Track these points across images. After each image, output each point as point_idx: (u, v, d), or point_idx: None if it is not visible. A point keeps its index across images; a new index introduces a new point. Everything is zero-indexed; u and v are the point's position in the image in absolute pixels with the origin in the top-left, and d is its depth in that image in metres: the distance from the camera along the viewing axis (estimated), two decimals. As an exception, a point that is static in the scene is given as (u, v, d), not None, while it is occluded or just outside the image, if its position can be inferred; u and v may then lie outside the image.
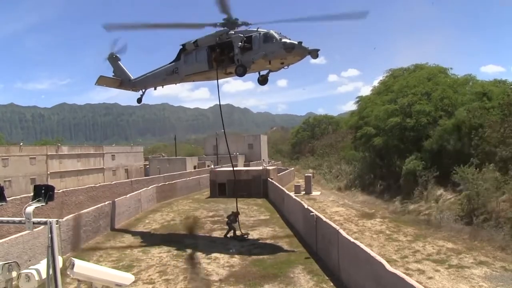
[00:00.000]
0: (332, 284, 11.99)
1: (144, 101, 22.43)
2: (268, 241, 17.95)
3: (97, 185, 30.49)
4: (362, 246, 10.61)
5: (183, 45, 19.02)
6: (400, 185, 27.47)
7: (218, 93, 18.59)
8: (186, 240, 18.37)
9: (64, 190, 25.89)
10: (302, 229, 18.16)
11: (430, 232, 18.93)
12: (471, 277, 12.53)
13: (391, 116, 29.67)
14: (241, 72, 17.07)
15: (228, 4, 16.21)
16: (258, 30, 16.82)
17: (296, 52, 15.87)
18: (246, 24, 17.44)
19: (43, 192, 4.20)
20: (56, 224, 3.99)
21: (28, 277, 4.00)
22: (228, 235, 18.58)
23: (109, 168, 64.53)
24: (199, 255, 15.74)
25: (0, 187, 4.33)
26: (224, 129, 19.99)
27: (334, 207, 28.12)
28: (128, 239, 19.14)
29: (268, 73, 18.42)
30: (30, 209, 3.98)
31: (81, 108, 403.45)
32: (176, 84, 20.98)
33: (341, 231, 12.46)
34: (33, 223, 4.00)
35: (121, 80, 22.27)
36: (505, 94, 23.98)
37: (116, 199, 22.69)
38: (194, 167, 56.35)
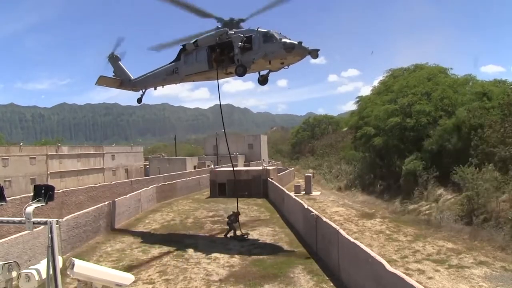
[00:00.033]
0: (332, 284, 12.00)
1: (144, 101, 22.49)
2: (268, 241, 17.95)
3: (97, 185, 30.50)
4: (362, 246, 10.61)
5: (183, 45, 19.03)
6: (400, 185, 27.46)
7: (218, 93, 18.60)
8: (186, 240, 18.37)
9: (64, 190, 25.90)
10: (302, 229, 18.16)
11: (430, 232, 18.93)
12: (471, 277, 12.53)
13: (391, 116, 29.66)
14: (241, 72, 17.08)
15: (203, 10, 16.41)
16: (258, 30, 16.82)
17: (296, 52, 15.87)
18: (242, 20, 17.46)
19: (43, 192, 4.20)
20: (56, 224, 3.99)
21: (28, 277, 4.00)
22: (228, 235, 18.59)
23: (109, 168, 64.53)
24: (199, 255, 15.74)
25: (0, 187, 4.33)
26: (224, 129, 19.99)
27: (334, 207, 28.12)
28: (128, 239, 19.13)
29: (268, 73, 18.42)
30: (30, 209, 3.98)
31: (81, 108, 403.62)
32: (176, 84, 20.99)
33: (341, 231, 12.46)
34: (33, 223, 4.00)
35: (121, 80, 22.28)
36: (505, 94, 23.98)
37: (116, 199, 22.68)
38: (194, 167, 56.35)
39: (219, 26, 17.74)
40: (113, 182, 33.13)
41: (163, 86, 21.37)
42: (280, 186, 28.04)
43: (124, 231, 20.84)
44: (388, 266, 8.85)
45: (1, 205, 4.38)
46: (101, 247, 17.46)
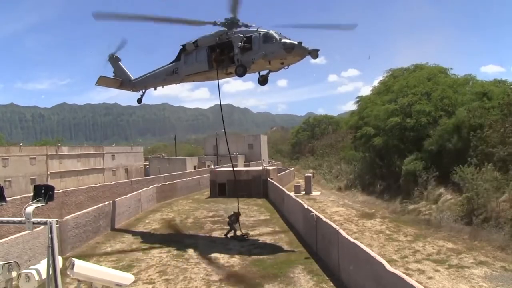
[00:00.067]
0: (332, 284, 12.00)
1: (144, 101, 22.47)
2: (268, 241, 17.95)
3: (97, 185, 30.50)
4: (362, 246, 10.61)
5: (183, 46, 19.04)
6: (400, 185, 27.45)
7: (219, 93, 18.58)
8: (186, 240, 18.38)
9: (64, 190, 25.90)
10: (302, 229, 18.16)
11: (430, 232, 18.93)
12: (471, 277, 12.53)
13: (391, 116, 29.66)
14: (241, 72, 17.07)
15: (239, 6, 16.35)
16: (258, 30, 16.82)
17: (296, 52, 15.87)
18: (246, 26, 17.47)
19: (43, 192, 4.20)
20: (56, 224, 3.99)
21: (28, 277, 4.00)
22: (229, 235, 18.58)
23: (109, 168, 64.55)
24: (199, 255, 15.74)
25: (0, 187, 4.33)
26: (224, 129, 19.99)
27: (334, 207, 28.12)
28: (128, 239, 19.14)
29: (268, 73, 18.41)
30: (30, 209, 3.99)
31: (81, 108, 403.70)
32: (176, 84, 21.00)
33: (341, 231, 12.46)
34: (33, 223, 4.00)
35: (122, 81, 22.28)
36: (505, 94, 23.98)
37: (116, 199, 22.69)
38: (194, 167, 56.36)
39: (217, 22, 17.68)
40: (113, 182, 33.13)
41: (163, 86, 21.37)
42: (280, 186, 28.04)
43: (124, 231, 20.85)
44: (388, 266, 8.85)
45: (1, 205, 4.38)
46: (101, 247, 17.46)
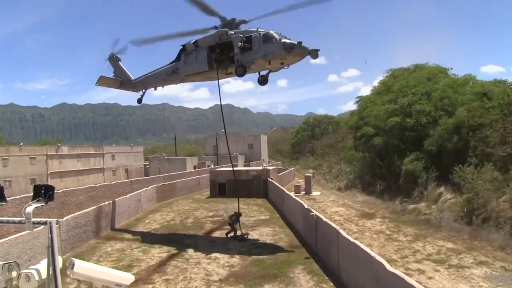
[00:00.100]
0: (332, 284, 11.99)
1: (144, 101, 22.47)
2: (268, 241, 17.95)
3: (97, 185, 30.50)
4: (362, 246, 10.61)
5: (183, 46, 19.03)
6: (400, 185, 27.47)
7: (219, 93, 18.59)
8: (186, 240, 18.37)
9: (64, 190, 25.90)
10: (302, 229, 18.16)
11: (430, 232, 18.93)
12: (471, 277, 12.53)
13: (391, 116, 29.68)
14: (241, 72, 17.07)
15: (209, 6, 16.40)
16: (258, 30, 16.82)
17: (296, 52, 15.86)
18: (244, 22, 17.45)
19: (43, 192, 4.20)
20: (56, 224, 3.99)
21: (28, 277, 4.00)
22: (229, 235, 18.57)
23: (109, 168, 64.54)
24: (199, 255, 15.74)
25: (0, 187, 4.33)
26: (225, 129, 19.99)
27: (334, 207, 28.12)
28: (128, 239, 19.13)
29: (268, 73, 18.41)
30: (30, 209, 3.99)
31: (81, 108, 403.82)
32: (176, 84, 21.00)
33: (341, 231, 12.46)
34: (33, 223, 4.00)
35: (122, 81, 22.28)
36: (505, 94, 23.99)
37: (116, 199, 22.69)
38: (194, 167, 56.35)
39: (217, 26, 17.71)
40: (113, 182, 33.13)
41: (163, 86, 21.37)
42: (280, 186, 28.04)
43: (124, 231, 20.85)
44: (388, 266, 8.85)
45: (1, 205, 4.38)
46: (101, 247, 17.46)
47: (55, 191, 4.42)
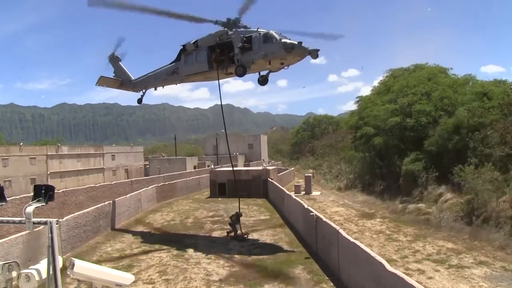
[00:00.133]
0: (332, 284, 12.00)
1: (144, 101, 22.47)
2: (268, 241, 17.95)
3: (97, 185, 30.50)
4: (362, 246, 10.61)
5: (183, 46, 19.03)
6: (400, 185, 27.47)
7: (219, 93, 18.55)
8: (186, 240, 18.38)
9: (64, 190, 25.90)
10: (302, 229, 18.16)
11: (430, 232, 18.93)
12: (471, 277, 12.53)
13: (391, 116, 29.68)
14: (241, 72, 17.07)
15: (247, 10, 16.39)
16: (258, 30, 16.82)
17: (296, 52, 15.86)
18: (246, 27, 17.46)
19: (43, 192, 4.21)
20: (56, 224, 3.99)
21: (28, 277, 4.00)
22: (231, 234, 18.55)
23: (109, 168, 64.55)
24: (199, 255, 15.74)
25: (0, 187, 4.33)
26: (225, 129, 20.00)
27: (334, 207, 28.12)
28: (128, 239, 19.14)
29: (268, 74, 18.40)
30: (30, 209, 3.99)
31: (81, 108, 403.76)
32: (176, 84, 21.00)
33: (341, 231, 12.46)
34: (33, 223, 4.00)
35: (122, 81, 22.29)
36: (505, 94, 24.00)
37: (116, 199, 22.68)
38: (194, 167, 56.36)
39: (218, 21, 17.66)
40: (113, 182, 33.14)
41: (163, 86, 21.37)
42: (280, 186, 28.04)
43: (124, 231, 20.85)
44: (388, 266, 8.85)
45: (1, 205, 4.39)
46: (101, 247, 17.46)
47: (55, 191, 4.43)
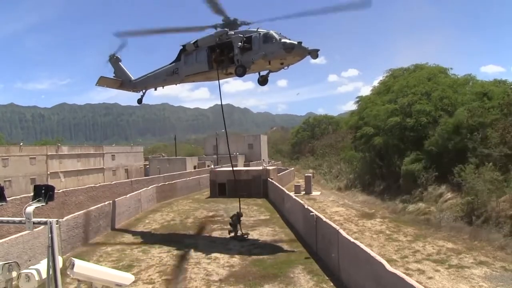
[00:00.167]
0: (332, 284, 12.00)
1: (144, 101, 22.49)
2: (268, 241, 17.95)
3: (97, 185, 30.51)
4: (362, 246, 10.61)
5: (183, 46, 19.04)
6: (400, 185, 27.46)
7: (220, 94, 18.55)
8: (186, 240, 18.38)
9: (64, 190, 25.91)
10: (302, 229, 18.16)
11: (430, 232, 18.93)
12: (471, 277, 12.53)
13: (391, 116, 29.67)
14: (240, 72, 17.08)
15: (220, 4, 16.30)
16: (258, 30, 16.82)
17: (296, 52, 15.86)
18: (245, 23, 17.44)
19: (43, 192, 4.21)
20: (56, 224, 3.99)
21: (28, 277, 4.00)
22: (233, 234, 18.53)
23: (109, 168, 64.53)
24: (199, 255, 15.74)
25: (0, 187, 4.33)
26: (225, 129, 20.00)
27: (334, 207, 28.12)
28: (128, 239, 19.15)
29: (268, 74, 18.40)
30: (30, 209, 3.99)
31: (81, 108, 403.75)
32: (176, 84, 21.00)
33: (341, 231, 12.47)
34: (33, 223, 4.00)
35: (122, 81, 22.29)
36: (505, 94, 23.99)
37: (116, 199, 22.70)
38: (194, 167, 56.36)
39: (217, 25, 17.69)
40: (113, 182, 33.15)
41: (163, 86, 21.38)
42: (280, 186, 28.04)
43: (124, 231, 20.85)
44: (388, 266, 8.85)
45: (1, 205, 4.39)
46: (101, 247, 17.46)
47: (55, 191, 4.43)
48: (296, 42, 15.73)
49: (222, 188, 33.82)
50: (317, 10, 16.73)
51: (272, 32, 16.40)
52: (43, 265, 4.13)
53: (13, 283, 4.23)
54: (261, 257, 15.20)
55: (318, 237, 15.02)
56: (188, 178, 39.02)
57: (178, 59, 19.47)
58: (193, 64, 18.75)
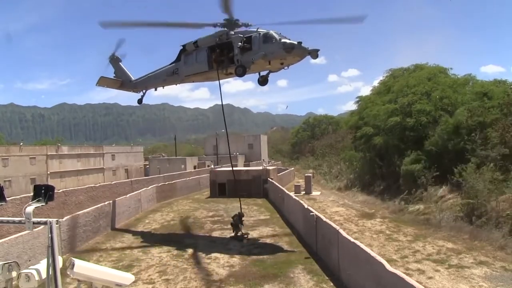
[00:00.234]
0: (332, 284, 12.00)
1: (144, 101, 22.50)
2: (268, 241, 17.95)
3: (97, 185, 30.49)
4: (362, 246, 10.61)
5: (183, 46, 19.03)
6: (400, 185, 27.44)
7: (220, 93, 18.54)
8: (186, 240, 18.38)
9: (64, 190, 25.90)
10: (302, 229, 18.16)
11: (430, 232, 18.91)
12: (471, 277, 12.52)
13: (391, 116, 29.66)
14: (240, 72, 17.07)
15: (231, 5, 16.23)
16: (258, 30, 16.82)
17: (296, 52, 15.85)
18: (246, 25, 17.44)
19: (43, 192, 4.21)
20: (56, 224, 3.99)
21: (28, 277, 4.00)
22: (231, 235, 18.50)
23: (109, 168, 64.57)
24: (199, 255, 15.74)
25: (0, 187, 4.33)
26: (226, 129, 19.99)
27: (334, 207, 28.12)
28: (128, 239, 19.15)
29: (268, 74, 18.39)
30: (30, 209, 3.99)
31: (81, 108, 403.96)
32: (176, 84, 21.01)
33: (341, 231, 12.46)
34: (33, 223, 4.00)
35: (122, 81, 22.29)
36: (505, 93, 23.99)
37: (116, 199, 22.69)
38: (194, 167, 56.37)
39: (218, 24, 17.68)
40: (113, 182, 33.13)
41: (163, 86, 21.39)
42: (280, 186, 28.04)
43: (124, 231, 20.85)
44: (388, 266, 8.85)
45: (1, 205, 4.38)
46: (101, 247, 17.46)
47: (55, 191, 4.43)
48: (296, 42, 15.73)
49: (222, 188, 33.81)
50: (315, 20, 16.86)
51: (272, 32, 16.40)
52: (43, 265, 4.13)
53: (13, 283, 4.23)
54: (261, 257, 15.19)
55: (318, 237, 15.02)
56: (188, 178, 39.01)
57: (178, 59, 19.47)
58: (193, 64, 18.74)
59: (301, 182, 39.24)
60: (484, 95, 25.71)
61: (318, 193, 36.30)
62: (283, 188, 26.69)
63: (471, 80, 29.80)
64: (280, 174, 40.00)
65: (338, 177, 44.17)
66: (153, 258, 15.45)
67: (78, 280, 4.47)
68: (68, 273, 4.27)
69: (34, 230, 10.44)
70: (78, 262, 4.28)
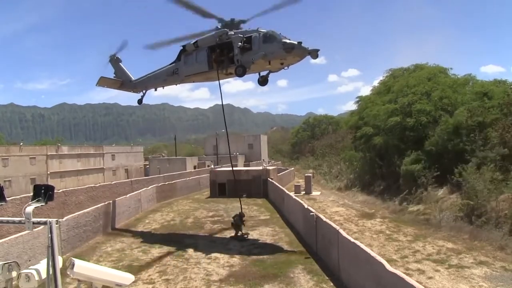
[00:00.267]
0: (332, 284, 12.00)
1: (144, 101, 22.51)
2: (268, 241, 17.95)
3: (97, 185, 30.50)
4: (362, 246, 10.61)
5: (183, 46, 19.03)
6: (400, 185, 27.43)
7: (220, 94, 18.53)
8: (186, 240, 18.38)
9: (64, 190, 25.90)
10: (302, 229, 18.16)
11: (430, 232, 18.92)
12: (471, 277, 12.52)
13: (391, 116, 29.65)
14: (240, 72, 17.07)
15: (205, 10, 16.42)
16: (258, 30, 16.82)
17: (296, 52, 15.86)
18: (243, 21, 17.44)
19: (43, 192, 4.20)
20: (56, 224, 3.99)
21: (28, 277, 4.00)
22: (233, 234, 18.51)
23: (109, 168, 64.56)
24: (199, 255, 15.74)
25: (0, 187, 4.33)
26: (226, 130, 19.99)
27: (334, 207, 28.12)
28: (128, 239, 19.14)
29: (268, 74, 18.39)
30: (30, 209, 3.98)
31: (81, 108, 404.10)
32: (176, 84, 21.01)
33: (341, 231, 12.46)
34: (33, 223, 4.00)
35: (122, 81, 22.30)
36: (505, 93, 23.98)
37: (116, 199, 22.69)
38: (194, 167, 56.37)
39: (219, 27, 17.73)
40: (113, 182, 33.14)
41: (163, 87, 21.39)
42: (280, 186, 28.04)
43: (124, 231, 20.85)
44: (388, 266, 8.85)
45: (1, 205, 4.38)
46: (101, 247, 17.47)
47: (55, 191, 4.42)
48: (296, 42, 15.73)
49: (222, 188, 33.82)
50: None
51: (272, 32, 16.40)
52: (43, 265, 4.13)
53: (13, 283, 4.23)
54: (261, 257, 15.19)
55: (318, 237, 15.02)
56: (188, 178, 39.02)
57: (178, 59, 19.47)
58: (193, 64, 18.75)
59: (301, 182, 39.25)
60: (484, 95, 25.70)
61: (318, 193, 36.31)
62: (283, 188, 26.69)
63: (471, 80, 29.77)
64: (280, 174, 40.00)
65: (338, 177, 44.17)
66: (153, 258, 15.45)
67: (78, 280, 4.47)
68: (68, 273, 4.27)
69: (34, 230, 10.45)
70: (78, 262, 4.28)
